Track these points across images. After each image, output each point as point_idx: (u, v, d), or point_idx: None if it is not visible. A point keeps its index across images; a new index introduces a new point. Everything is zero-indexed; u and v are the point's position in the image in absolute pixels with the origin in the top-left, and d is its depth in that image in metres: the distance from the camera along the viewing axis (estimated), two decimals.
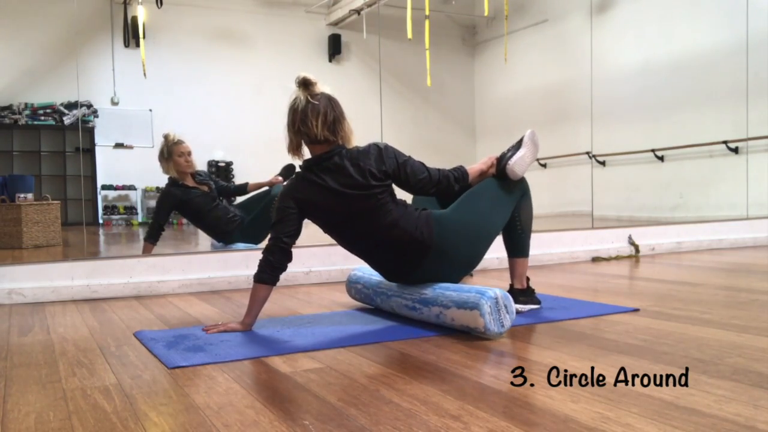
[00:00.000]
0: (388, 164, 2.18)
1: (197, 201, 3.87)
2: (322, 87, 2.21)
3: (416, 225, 2.18)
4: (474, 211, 2.25)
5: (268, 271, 2.21)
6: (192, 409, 1.42)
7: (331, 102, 2.19)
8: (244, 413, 1.39)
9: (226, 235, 3.96)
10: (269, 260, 2.21)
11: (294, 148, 2.23)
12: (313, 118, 2.15)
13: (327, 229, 2.29)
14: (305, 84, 2.18)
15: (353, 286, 2.68)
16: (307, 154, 2.25)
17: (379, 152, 2.19)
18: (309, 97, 2.16)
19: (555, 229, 4.41)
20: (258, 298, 2.22)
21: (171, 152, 3.80)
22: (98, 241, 5.98)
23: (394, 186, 2.25)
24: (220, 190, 4.07)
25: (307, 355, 1.88)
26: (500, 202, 2.31)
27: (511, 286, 2.47)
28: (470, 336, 2.05)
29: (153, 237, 3.80)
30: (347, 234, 2.27)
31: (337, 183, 2.15)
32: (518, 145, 2.34)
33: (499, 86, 9.43)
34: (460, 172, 2.28)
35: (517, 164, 2.29)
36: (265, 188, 4.10)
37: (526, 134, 2.36)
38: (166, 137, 3.85)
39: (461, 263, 2.28)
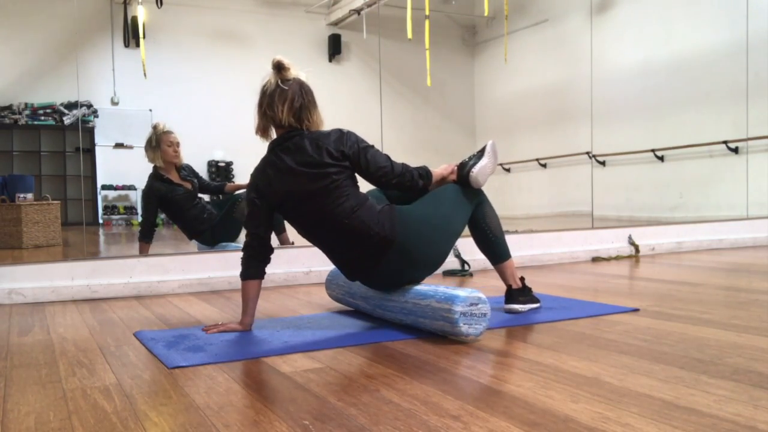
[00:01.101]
0: (348, 146, 2.16)
1: (179, 198, 3.83)
2: (298, 73, 2.21)
3: (378, 219, 2.14)
4: (436, 209, 2.23)
5: (253, 265, 2.21)
6: (192, 409, 1.42)
7: (302, 89, 2.19)
8: (244, 413, 1.39)
9: (199, 234, 3.93)
10: (251, 255, 2.21)
11: (261, 130, 2.24)
12: (279, 103, 2.15)
13: (287, 215, 2.24)
14: (279, 67, 2.19)
15: (340, 303, 2.69)
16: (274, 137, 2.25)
17: (341, 135, 2.18)
18: (279, 81, 2.17)
19: (555, 229, 4.41)
20: (250, 295, 2.22)
21: (159, 141, 3.77)
22: (98, 241, 5.99)
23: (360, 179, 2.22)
24: (202, 187, 4.04)
25: (307, 355, 1.88)
26: (460, 205, 2.29)
27: (509, 287, 2.46)
28: None
29: (147, 235, 3.79)
30: (305, 220, 2.21)
31: (295, 162, 2.14)
32: (480, 155, 2.35)
33: (499, 86, 9.42)
34: (424, 170, 2.27)
35: (480, 173, 2.29)
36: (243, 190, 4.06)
37: (488, 144, 2.37)
38: (155, 126, 3.82)
39: (424, 262, 2.23)
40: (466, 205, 2.31)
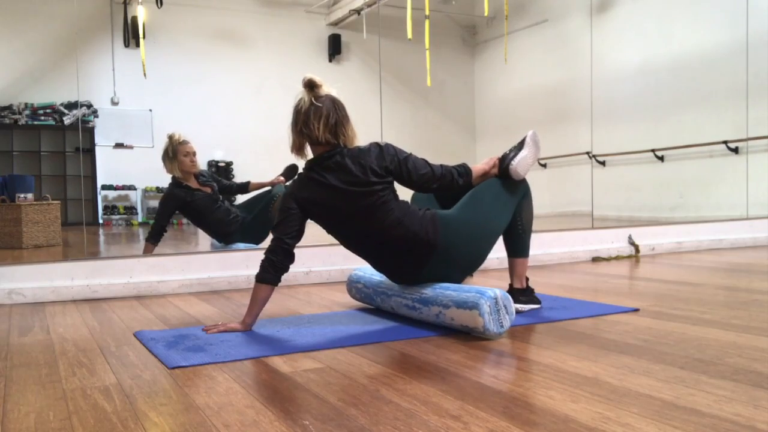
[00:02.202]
0: (389, 161, 2.19)
1: (200, 203, 3.87)
2: (329, 89, 2.23)
3: (421, 224, 2.18)
4: (478, 211, 2.26)
5: (270, 271, 2.21)
6: (192, 409, 1.42)
7: (335, 105, 2.20)
8: (244, 413, 1.39)
9: (227, 236, 3.97)
10: (272, 260, 2.21)
11: (297, 149, 2.25)
12: (315, 120, 2.16)
13: (330, 228, 2.28)
14: (311, 85, 2.20)
15: (354, 286, 2.68)
16: (310, 154, 2.26)
17: (380, 150, 2.20)
18: (313, 99, 2.18)
19: (555, 229, 4.41)
20: (259, 298, 2.22)
21: (176, 152, 3.80)
22: (98, 241, 5.98)
23: (396, 186, 2.25)
24: (223, 189, 4.08)
25: (307, 355, 1.88)
26: (503, 202, 2.31)
27: (511, 285, 2.47)
28: (470, 336, 2.05)
29: (154, 238, 3.81)
30: (350, 233, 2.26)
31: (340, 180, 2.16)
32: (520, 146, 2.35)
33: (499, 86, 9.42)
34: (463, 168, 2.29)
35: (519, 165, 2.30)
36: (267, 188, 4.12)
37: (528, 135, 2.37)
38: (171, 137, 3.84)
39: (465, 263, 2.28)
40: (508, 200, 2.33)
